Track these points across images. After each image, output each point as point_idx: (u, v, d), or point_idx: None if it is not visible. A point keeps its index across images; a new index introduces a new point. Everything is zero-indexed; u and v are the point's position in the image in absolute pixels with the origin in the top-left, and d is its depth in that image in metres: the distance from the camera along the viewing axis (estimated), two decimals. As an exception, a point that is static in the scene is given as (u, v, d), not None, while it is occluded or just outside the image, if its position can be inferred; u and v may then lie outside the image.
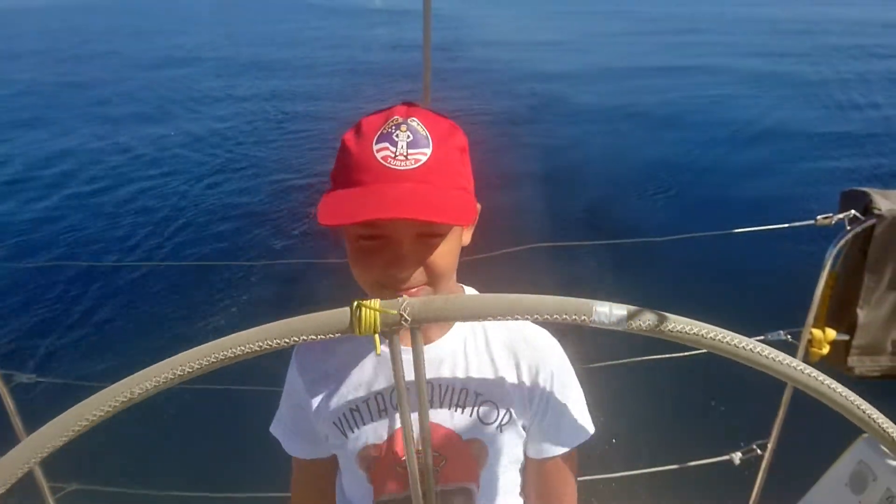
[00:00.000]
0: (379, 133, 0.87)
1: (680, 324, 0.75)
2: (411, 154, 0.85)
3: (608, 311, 0.73)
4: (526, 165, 10.12)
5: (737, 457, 2.42)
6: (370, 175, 0.85)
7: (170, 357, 0.72)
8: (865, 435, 2.04)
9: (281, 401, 1.15)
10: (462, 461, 1.04)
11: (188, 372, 0.70)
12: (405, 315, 0.73)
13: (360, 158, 0.86)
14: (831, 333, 2.15)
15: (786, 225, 2.34)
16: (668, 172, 9.98)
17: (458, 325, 1.05)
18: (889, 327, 2.13)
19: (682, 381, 4.54)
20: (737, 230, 2.40)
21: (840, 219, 2.07)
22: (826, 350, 2.16)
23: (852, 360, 2.17)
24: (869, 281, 2.08)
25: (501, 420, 1.04)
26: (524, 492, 1.14)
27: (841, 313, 2.17)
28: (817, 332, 2.16)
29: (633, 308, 0.74)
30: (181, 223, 8.20)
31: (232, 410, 4.29)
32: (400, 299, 0.74)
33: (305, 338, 0.73)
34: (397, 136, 0.86)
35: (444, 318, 0.75)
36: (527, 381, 1.03)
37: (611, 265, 5.76)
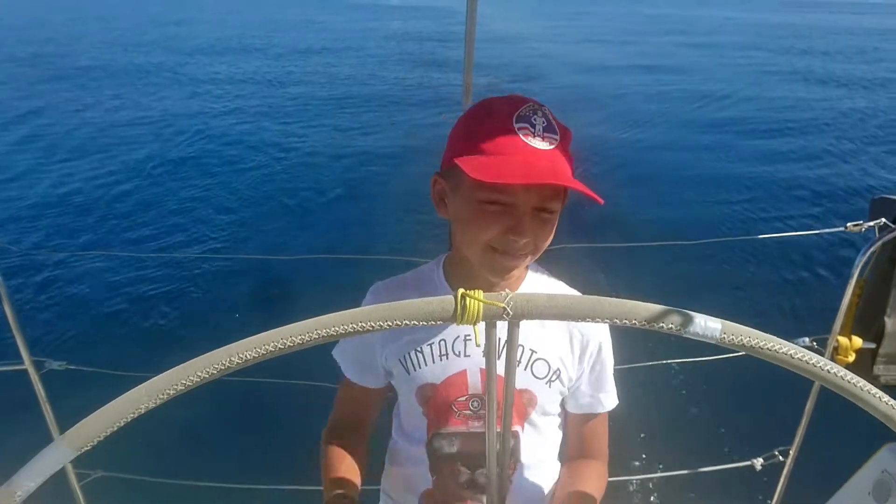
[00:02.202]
0: (517, 114, 1.00)
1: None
2: (546, 136, 1.00)
3: (703, 324, 0.75)
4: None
5: (758, 462, 2.41)
6: (513, 148, 0.98)
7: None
8: (890, 443, 2.03)
9: None
10: (514, 407, 1.14)
11: (289, 346, 0.71)
12: (508, 309, 0.74)
13: (503, 132, 0.99)
14: (857, 341, 2.13)
15: (815, 232, 2.32)
16: (699, 177, 9.93)
17: (522, 287, 1.20)
18: (917, 337, 2.11)
19: (703, 386, 4.51)
20: (766, 235, 2.39)
21: (870, 226, 2.05)
22: (852, 358, 2.15)
23: (878, 369, 2.15)
24: (897, 289, 2.06)
25: (551, 376, 1.19)
26: (564, 448, 1.30)
27: (868, 321, 2.15)
28: (843, 340, 2.14)
29: (727, 323, 0.77)
30: (217, 217, 8.30)
31: (258, 404, 4.35)
32: (504, 293, 0.76)
33: (408, 322, 0.74)
34: (535, 119, 1.00)
35: (546, 316, 0.76)
36: (577, 346, 1.20)
37: (640, 268, 5.73)
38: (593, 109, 13.98)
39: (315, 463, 1.26)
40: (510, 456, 1.18)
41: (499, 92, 1.18)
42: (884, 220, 2.02)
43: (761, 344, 0.77)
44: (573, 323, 1.18)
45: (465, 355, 1.16)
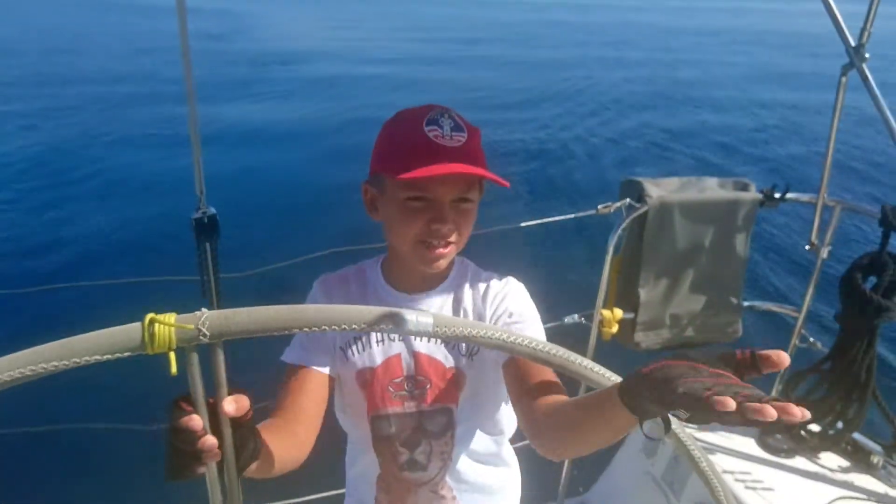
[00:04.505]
0: (427, 118, 1.12)
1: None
2: (455, 135, 1.11)
3: (416, 320, 0.78)
4: (313, 174, 10.12)
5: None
6: (426, 148, 1.09)
7: None
8: None
9: None
10: (444, 386, 1.26)
11: None
12: (203, 330, 0.69)
13: (416, 136, 1.10)
14: (618, 313, 2.32)
15: (571, 216, 2.49)
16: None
17: (450, 280, 1.30)
18: (666, 303, 2.34)
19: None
20: (525, 223, 2.51)
21: (618, 207, 2.24)
22: (615, 329, 2.33)
23: (638, 336, 2.36)
24: (646, 262, 2.27)
25: (472, 350, 1.25)
26: (512, 393, 1.21)
27: (627, 294, 2.35)
28: (606, 313, 2.32)
29: (438, 316, 0.80)
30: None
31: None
32: (198, 313, 0.70)
33: (89, 359, 0.65)
34: (442, 122, 1.12)
35: (246, 333, 0.71)
36: (489, 313, 1.27)
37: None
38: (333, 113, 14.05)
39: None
40: (448, 430, 1.28)
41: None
42: (629, 200, 2.22)
43: (474, 332, 0.82)
44: (489, 295, 1.28)
45: (400, 339, 1.26)
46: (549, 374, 1.16)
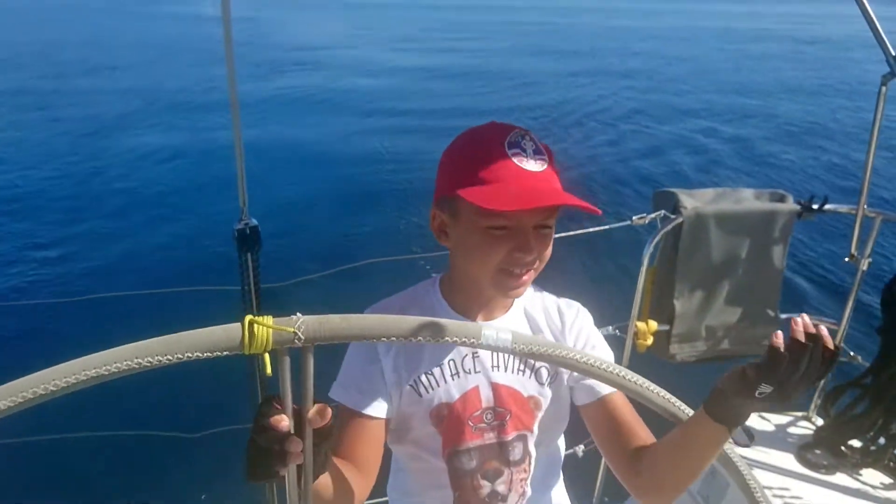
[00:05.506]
0: (507, 141, 1.07)
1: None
2: (537, 158, 1.07)
3: (494, 335, 0.79)
4: (347, 183, 10.22)
5: (580, 450, 2.54)
6: (511, 174, 1.04)
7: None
8: None
9: (346, 363, 1.23)
10: (523, 414, 1.23)
11: (52, 391, 0.60)
12: (299, 333, 0.70)
13: (498, 160, 1.05)
14: (653, 325, 2.31)
15: (606, 227, 2.49)
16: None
17: (517, 304, 1.27)
18: (701, 315, 2.33)
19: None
20: (558, 234, 2.50)
21: (653, 218, 2.23)
22: (650, 341, 2.32)
23: (674, 348, 2.34)
24: (681, 274, 2.26)
25: (551, 378, 1.24)
26: (598, 437, 1.24)
27: (662, 305, 2.34)
28: (641, 325, 2.31)
29: (516, 333, 0.80)
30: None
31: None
32: (294, 317, 0.71)
33: (190, 355, 0.66)
34: (524, 144, 1.08)
35: (340, 339, 0.72)
36: (570, 343, 1.26)
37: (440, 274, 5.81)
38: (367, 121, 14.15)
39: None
40: (526, 457, 1.26)
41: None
42: (664, 211, 2.21)
43: (555, 352, 0.83)
44: (564, 321, 1.27)
45: (476, 371, 1.22)
46: (636, 416, 1.20)
